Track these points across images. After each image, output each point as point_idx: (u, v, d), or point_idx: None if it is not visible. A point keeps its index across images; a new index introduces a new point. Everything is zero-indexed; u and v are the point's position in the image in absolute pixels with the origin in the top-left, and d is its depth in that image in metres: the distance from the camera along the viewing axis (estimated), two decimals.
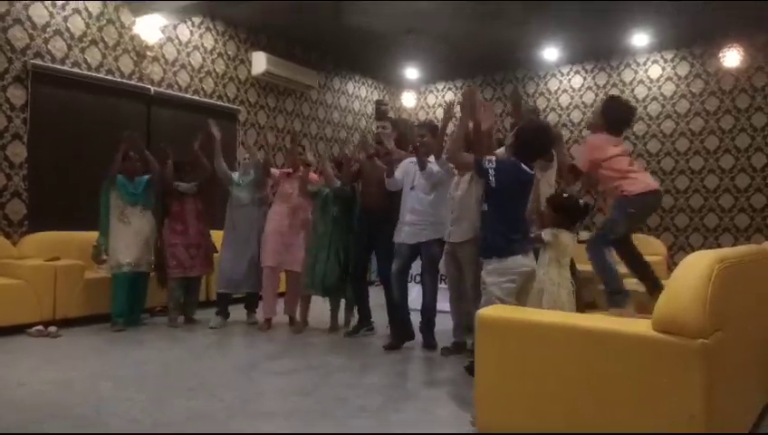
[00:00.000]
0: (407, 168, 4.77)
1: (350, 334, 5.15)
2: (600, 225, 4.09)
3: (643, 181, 3.95)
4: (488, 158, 3.31)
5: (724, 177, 8.40)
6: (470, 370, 3.85)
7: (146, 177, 5.54)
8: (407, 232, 4.70)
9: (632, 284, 4.10)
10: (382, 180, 4.92)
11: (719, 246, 8.11)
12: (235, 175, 5.77)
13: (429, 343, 4.72)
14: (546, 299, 3.35)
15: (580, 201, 3.73)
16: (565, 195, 3.83)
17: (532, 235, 3.55)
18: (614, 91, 9.21)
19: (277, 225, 5.47)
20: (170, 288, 5.57)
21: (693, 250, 7.98)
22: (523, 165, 3.29)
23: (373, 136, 5.53)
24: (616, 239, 3.95)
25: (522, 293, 3.28)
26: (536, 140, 3.40)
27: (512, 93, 4.19)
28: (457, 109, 4.15)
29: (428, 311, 4.74)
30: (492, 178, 3.22)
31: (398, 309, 4.85)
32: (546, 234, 3.48)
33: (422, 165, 4.52)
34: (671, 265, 7.59)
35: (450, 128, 4.57)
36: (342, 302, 5.42)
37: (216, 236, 5.88)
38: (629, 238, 4.10)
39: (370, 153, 5.26)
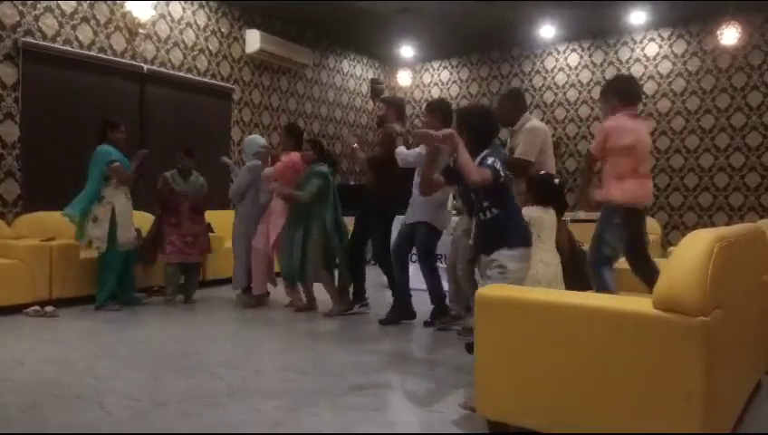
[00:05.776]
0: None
1: (345, 312, 5.18)
2: (591, 243, 3.95)
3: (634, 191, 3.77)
4: (489, 159, 2.99)
5: (719, 155, 8.42)
6: (470, 348, 3.87)
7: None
8: (407, 212, 4.80)
9: (621, 263, 4.07)
10: (395, 169, 4.79)
11: (713, 224, 8.16)
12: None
13: (432, 322, 4.74)
14: (529, 275, 3.27)
15: (555, 180, 3.71)
16: (542, 172, 3.79)
17: None
18: (611, 70, 9.18)
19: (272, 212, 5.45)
20: (168, 272, 5.57)
21: (687, 229, 8.08)
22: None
23: (375, 118, 5.47)
24: (614, 255, 3.80)
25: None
26: (485, 123, 3.16)
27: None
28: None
29: (434, 296, 4.73)
30: (502, 173, 2.97)
31: (396, 288, 4.90)
32: (527, 211, 3.41)
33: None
34: (665, 243, 7.64)
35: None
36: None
37: (218, 215, 5.82)
38: (646, 254, 3.89)
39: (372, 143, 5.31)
